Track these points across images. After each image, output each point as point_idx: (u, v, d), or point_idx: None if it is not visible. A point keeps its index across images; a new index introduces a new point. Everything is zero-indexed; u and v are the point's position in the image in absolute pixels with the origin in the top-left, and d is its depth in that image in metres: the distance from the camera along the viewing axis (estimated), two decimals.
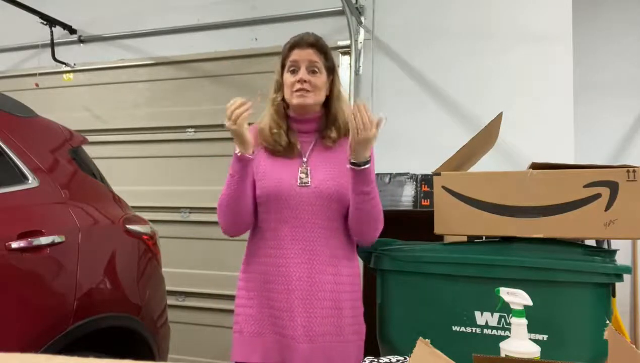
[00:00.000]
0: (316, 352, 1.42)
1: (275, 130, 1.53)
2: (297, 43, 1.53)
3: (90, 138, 2.30)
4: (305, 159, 1.52)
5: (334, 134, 1.54)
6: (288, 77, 1.53)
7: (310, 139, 1.56)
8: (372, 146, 1.39)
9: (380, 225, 1.51)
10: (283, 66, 1.56)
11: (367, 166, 1.39)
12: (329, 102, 1.57)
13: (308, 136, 1.56)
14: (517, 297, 1.13)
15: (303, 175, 1.49)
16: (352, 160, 1.39)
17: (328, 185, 1.47)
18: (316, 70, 1.52)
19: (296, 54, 1.52)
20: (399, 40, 3.02)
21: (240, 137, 1.39)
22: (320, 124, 1.56)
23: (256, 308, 1.49)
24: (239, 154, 1.42)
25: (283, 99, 1.56)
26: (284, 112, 1.56)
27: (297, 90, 1.49)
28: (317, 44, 1.54)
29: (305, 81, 1.49)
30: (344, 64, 3.08)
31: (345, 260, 1.51)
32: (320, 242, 1.47)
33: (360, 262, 1.77)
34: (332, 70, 1.58)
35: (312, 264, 1.45)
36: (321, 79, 1.53)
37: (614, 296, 1.52)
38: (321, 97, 1.54)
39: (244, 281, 1.54)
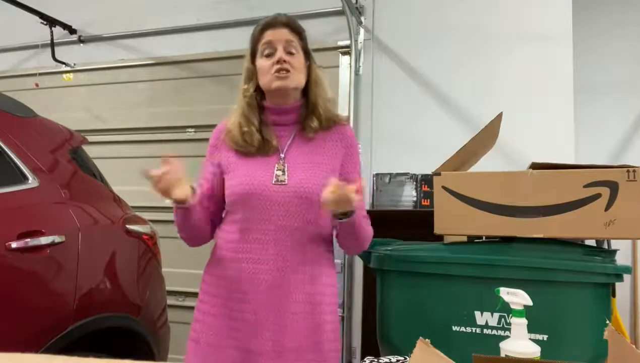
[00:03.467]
0: None
1: (245, 129, 1.37)
2: (269, 24, 1.39)
3: (90, 138, 2.30)
4: (282, 155, 1.37)
5: (314, 124, 1.39)
6: (263, 62, 1.37)
7: (288, 133, 1.41)
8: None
9: (368, 242, 1.42)
10: (254, 52, 1.41)
11: (353, 215, 1.27)
12: (308, 88, 1.42)
13: (286, 129, 1.41)
14: (517, 297, 1.13)
15: (279, 173, 1.34)
16: (338, 217, 1.27)
17: (307, 185, 1.32)
18: (293, 50, 1.37)
19: (270, 35, 1.37)
20: (399, 40, 3.02)
21: (173, 195, 1.27)
22: (299, 114, 1.41)
23: (218, 318, 1.33)
24: (175, 207, 1.30)
25: (256, 90, 1.41)
26: (256, 105, 1.41)
27: (276, 72, 1.34)
28: (291, 24, 1.40)
29: (285, 61, 1.34)
30: (343, 64, 3.08)
31: (324, 268, 1.37)
32: (295, 246, 1.31)
33: (360, 262, 1.77)
34: (308, 53, 1.43)
35: (284, 271, 1.30)
36: (299, 60, 1.38)
37: (614, 296, 1.52)
38: (301, 80, 1.39)
39: (207, 284, 1.39)
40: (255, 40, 1.41)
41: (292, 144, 1.40)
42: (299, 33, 1.41)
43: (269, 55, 1.37)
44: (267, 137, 1.38)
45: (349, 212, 1.26)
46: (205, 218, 1.40)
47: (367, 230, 1.39)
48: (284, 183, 1.33)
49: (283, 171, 1.34)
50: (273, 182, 1.33)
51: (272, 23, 1.39)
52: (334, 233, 1.42)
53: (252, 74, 1.42)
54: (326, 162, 1.38)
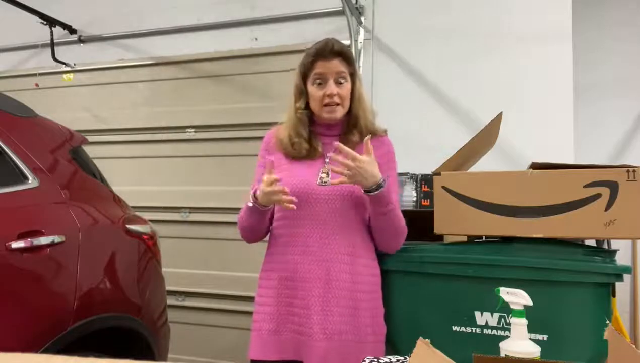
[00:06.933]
0: (332, 350, 1.41)
1: (295, 140, 1.53)
2: (321, 54, 1.50)
3: (90, 138, 2.30)
4: (327, 160, 1.53)
5: (355, 138, 1.54)
6: (314, 90, 1.51)
7: (332, 141, 1.56)
8: (375, 169, 1.39)
9: (402, 237, 1.54)
10: (305, 75, 1.54)
11: (380, 190, 1.40)
12: (351, 103, 1.56)
13: (331, 139, 1.56)
14: (517, 297, 1.13)
15: (324, 175, 1.50)
16: (363, 189, 1.42)
17: (348, 185, 1.46)
18: (342, 80, 1.51)
19: (321, 66, 1.50)
20: (399, 40, 3.02)
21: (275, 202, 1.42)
22: (343, 126, 1.58)
23: (274, 306, 1.49)
24: (260, 208, 1.45)
25: (306, 107, 1.56)
26: (306, 119, 1.56)
27: (326, 105, 1.50)
28: (342, 54, 1.51)
29: (334, 95, 1.49)
30: None
31: (363, 259, 1.51)
32: (338, 240, 1.47)
33: None
34: (354, 74, 1.56)
35: (329, 262, 1.45)
36: (347, 87, 1.53)
37: (614, 296, 1.52)
38: (347, 106, 1.55)
39: (263, 279, 1.55)
40: (306, 67, 1.53)
41: (336, 151, 1.53)
42: (348, 60, 1.53)
43: (320, 85, 1.51)
44: (314, 144, 1.55)
45: (377, 187, 1.40)
46: (268, 220, 1.57)
47: (401, 220, 1.51)
48: (327, 184, 1.49)
49: (327, 174, 1.50)
50: (317, 183, 1.48)
51: (324, 53, 1.49)
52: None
53: (302, 93, 1.56)
54: None
